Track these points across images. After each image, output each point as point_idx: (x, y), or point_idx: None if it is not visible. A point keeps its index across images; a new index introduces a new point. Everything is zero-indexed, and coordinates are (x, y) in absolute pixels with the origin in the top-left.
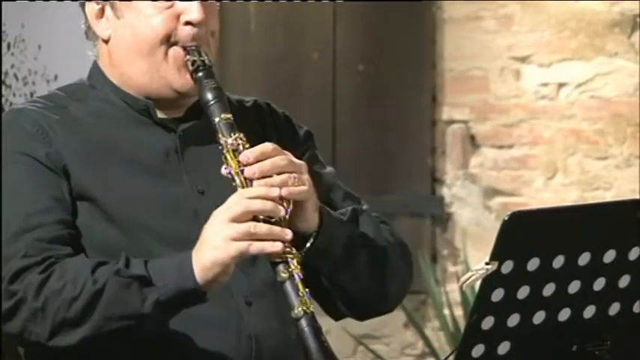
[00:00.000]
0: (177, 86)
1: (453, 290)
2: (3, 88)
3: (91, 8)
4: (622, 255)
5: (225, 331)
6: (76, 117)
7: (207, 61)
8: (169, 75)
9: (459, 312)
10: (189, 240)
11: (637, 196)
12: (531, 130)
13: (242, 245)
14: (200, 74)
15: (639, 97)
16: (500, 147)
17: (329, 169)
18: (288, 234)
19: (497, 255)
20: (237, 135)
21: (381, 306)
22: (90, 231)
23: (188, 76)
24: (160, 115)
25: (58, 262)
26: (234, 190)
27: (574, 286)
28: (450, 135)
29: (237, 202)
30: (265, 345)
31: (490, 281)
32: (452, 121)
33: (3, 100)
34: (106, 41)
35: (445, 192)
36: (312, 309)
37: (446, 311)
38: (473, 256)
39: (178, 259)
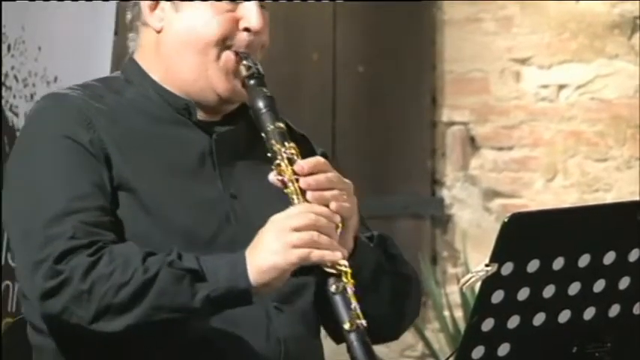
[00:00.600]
0: (220, 90)
1: (453, 292)
2: (3, 89)
3: None
4: (622, 256)
5: (255, 333)
6: (114, 108)
7: (260, 70)
8: (216, 77)
9: (459, 313)
10: (221, 242)
11: (637, 198)
12: (531, 132)
13: (303, 252)
14: (253, 81)
15: (639, 99)
16: (500, 149)
17: None
18: (346, 251)
19: (497, 257)
20: (290, 144)
21: (391, 335)
22: (128, 221)
23: (234, 82)
24: (198, 116)
25: (106, 246)
26: (269, 196)
27: (574, 288)
28: (450, 136)
29: (303, 214)
30: (292, 349)
31: (490, 283)
32: (452, 123)
33: (3, 101)
34: (158, 31)
35: (445, 193)
36: (364, 323)
37: (446, 313)
38: (473, 257)
39: (230, 257)
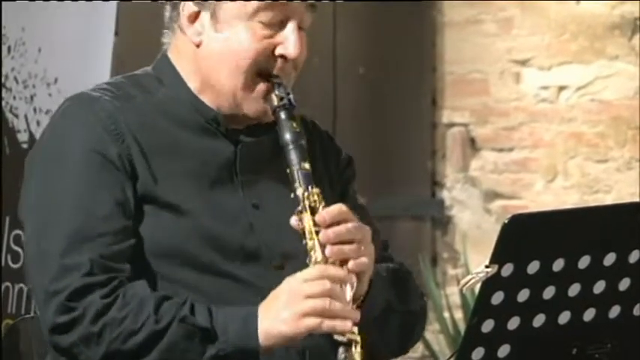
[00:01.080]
0: (250, 113)
1: (453, 293)
2: (3, 91)
3: (188, 7)
4: (622, 258)
5: None
6: (144, 111)
7: (292, 101)
8: (247, 101)
9: (459, 315)
10: (247, 251)
11: (637, 199)
12: (531, 133)
13: (314, 322)
14: (283, 113)
15: (639, 100)
16: (501, 150)
17: (360, 200)
18: (358, 315)
19: (498, 258)
20: (314, 190)
21: (396, 355)
22: (150, 234)
23: (265, 106)
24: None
25: (122, 285)
26: (292, 207)
27: (574, 289)
28: (450, 138)
29: (318, 280)
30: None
31: (490, 284)
32: (452, 124)
33: (3, 103)
34: (196, 45)
35: (445, 195)
36: None
37: (446, 314)
38: (473, 259)
39: (244, 313)
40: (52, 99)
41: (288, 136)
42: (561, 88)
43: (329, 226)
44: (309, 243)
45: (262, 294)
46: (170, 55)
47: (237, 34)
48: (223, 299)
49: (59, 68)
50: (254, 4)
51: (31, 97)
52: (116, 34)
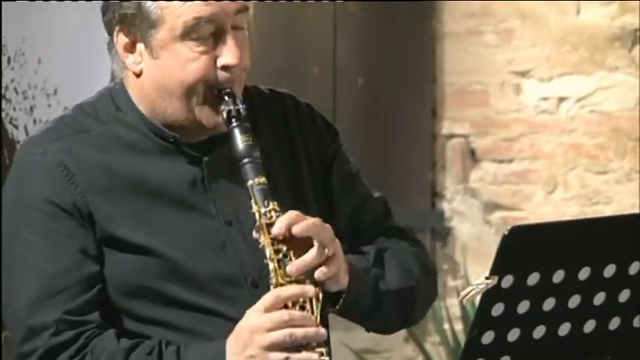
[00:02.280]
0: (207, 124)
1: (453, 305)
2: (3, 102)
3: (121, 39)
4: (622, 269)
5: None
6: (100, 145)
7: (241, 110)
8: (201, 115)
9: (459, 326)
10: (220, 276)
11: (637, 211)
12: (531, 145)
13: (280, 357)
14: (234, 126)
15: (639, 112)
16: (501, 161)
17: (354, 164)
18: (324, 335)
19: (498, 269)
20: (271, 206)
21: (408, 325)
22: (116, 275)
23: (217, 117)
24: (184, 140)
25: (91, 340)
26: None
27: (574, 301)
28: (450, 149)
29: (275, 307)
30: None
31: (490, 296)
32: (452, 136)
33: (3, 114)
34: (137, 75)
35: (445, 206)
36: None
37: (446, 326)
38: (473, 270)
39: (214, 351)
40: (51, 110)
41: (240, 152)
42: (561, 100)
43: (285, 237)
44: (270, 265)
45: (236, 322)
46: (124, 81)
47: (175, 56)
48: (198, 333)
49: (59, 79)
50: (181, 26)
51: (31, 108)
52: None
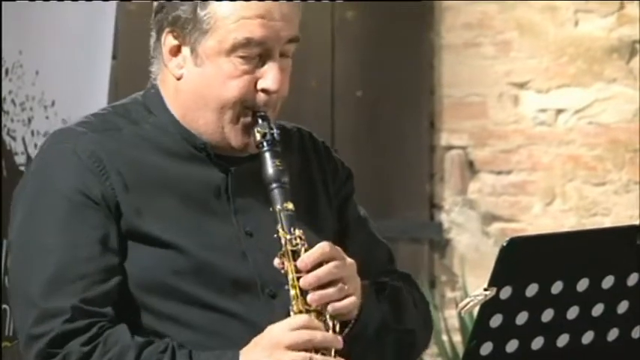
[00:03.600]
0: (235, 145)
1: (451, 316)
2: (1, 113)
3: (169, 41)
4: (620, 281)
5: None
6: (130, 143)
7: (275, 135)
8: (231, 134)
9: (457, 338)
10: (239, 282)
11: (635, 222)
12: (530, 156)
13: None
14: (266, 150)
15: (638, 123)
16: (499, 173)
17: (362, 212)
18: None
19: (496, 281)
20: (296, 233)
21: None
22: (137, 269)
23: (250, 140)
24: (213, 150)
25: (103, 331)
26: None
27: (573, 312)
28: (449, 161)
29: (299, 331)
30: None
31: (489, 307)
32: (450, 147)
33: (1, 125)
34: (177, 78)
35: (443, 218)
36: None
37: (444, 337)
38: (471, 281)
39: (227, 358)
40: (49, 122)
41: (270, 176)
42: (559, 111)
43: (311, 269)
44: (292, 291)
45: (253, 326)
46: (158, 83)
47: (218, 69)
48: (213, 333)
49: (56, 91)
50: (231, 42)
51: (29, 120)
52: (114, 57)
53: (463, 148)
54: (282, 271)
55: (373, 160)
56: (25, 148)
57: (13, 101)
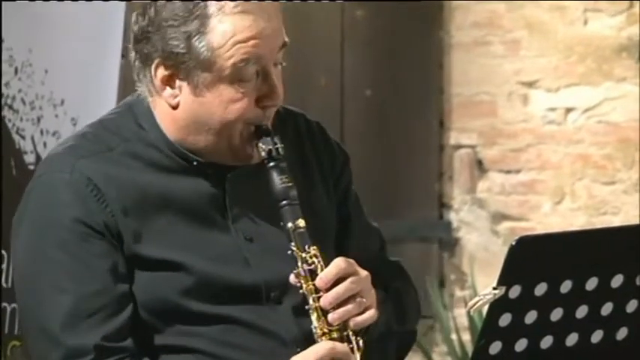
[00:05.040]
0: (240, 159)
1: (460, 315)
2: (10, 112)
3: (160, 72)
4: (630, 280)
5: None
6: (123, 163)
7: (280, 150)
8: (237, 150)
9: (466, 337)
10: (245, 289)
11: None
12: (539, 155)
13: None
14: (272, 166)
15: None
16: (508, 172)
17: (355, 196)
18: None
19: (505, 280)
20: (312, 252)
21: None
22: (143, 293)
23: (253, 152)
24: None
25: None
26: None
27: (581, 311)
28: (458, 160)
29: (325, 356)
30: None
31: (498, 306)
32: (459, 146)
33: (10, 124)
34: (173, 107)
35: (453, 217)
36: None
37: (453, 336)
38: (480, 280)
39: None
40: (58, 120)
41: (279, 194)
42: (569, 110)
43: (330, 287)
44: (313, 315)
45: (262, 332)
46: (151, 106)
47: (219, 96)
48: (224, 343)
49: (66, 90)
50: (230, 68)
51: (38, 119)
52: (123, 56)
53: (472, 147)
54: (301, 292)
55: (382, 159)
56: (35, 147)
57: (22, 100)
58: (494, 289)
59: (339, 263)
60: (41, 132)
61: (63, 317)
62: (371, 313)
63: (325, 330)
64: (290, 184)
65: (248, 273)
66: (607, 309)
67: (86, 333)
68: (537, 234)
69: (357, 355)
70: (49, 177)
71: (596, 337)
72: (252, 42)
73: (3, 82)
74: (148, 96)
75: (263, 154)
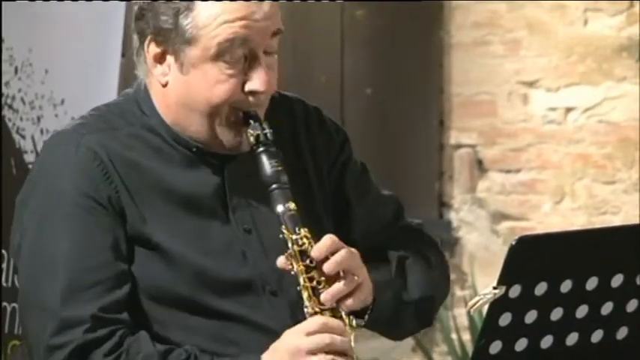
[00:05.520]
0: (228, 145)
1: (460, 315)
2: (10, 112)
3: (152, 48)
4: (630, 279)
5: None
6: (128, 145)
7: (269, 135)
8: (223, 134)
9: (466, 336)
10: (241, 282)
11: None
12: (539, 155)
13: None
14: (261, 151)
15: None
16: (508, 171)
17: (361, 168)
18: None
19: (505, 279)
20: (302, 233)
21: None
22: (142, 276)
23: (242, 139)
24: (206, 149)
25: (125, 339)
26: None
27: (582, 311)
28: (458, 159)
29: (319, 335)
30: None
31: (498, 305)
32: (459, 146)
33: (10, 124)
34: (163, 85)
35: (453, 216)
36: None
37: (454, 335)
38: (480, 280)
39: None
40: (58, 120)
41: (269, 177)
42: (569, 110)
43: (324, 259)
44: (304, 293)
45: (257, 327)
46: (149, 87)
47: (204, 76)
48: (218, 338)
49: (66, 89)
50: (215, 47)
51: (38, 119)
52: (123, 55)
53: (472, 146)
54: (292, 273)
55: (382, 158)
56: (35, 147)
57: (22, 100)
58: (495, 288)
59: (330, 236)
60: (41, 131)
61: (60, 290)
62: (362, 296)
63: (317, 309)
64: (280, 169)
65: (245, 267)
66: (607, 308)
67: (83, 305)
68: (537, 234)
69: (352, 335)
70: (55, 151)
71: (597, 336)
72: (239, 23)
73: (3, 81)
74: (145, 78)
75: (252, 139)
